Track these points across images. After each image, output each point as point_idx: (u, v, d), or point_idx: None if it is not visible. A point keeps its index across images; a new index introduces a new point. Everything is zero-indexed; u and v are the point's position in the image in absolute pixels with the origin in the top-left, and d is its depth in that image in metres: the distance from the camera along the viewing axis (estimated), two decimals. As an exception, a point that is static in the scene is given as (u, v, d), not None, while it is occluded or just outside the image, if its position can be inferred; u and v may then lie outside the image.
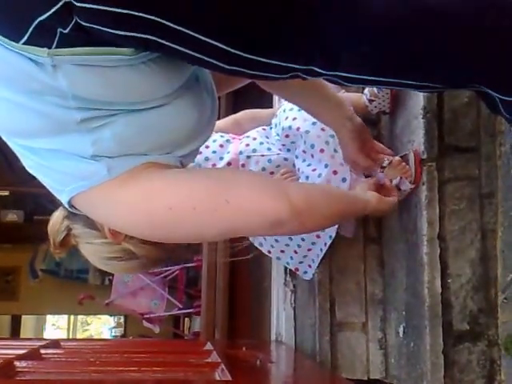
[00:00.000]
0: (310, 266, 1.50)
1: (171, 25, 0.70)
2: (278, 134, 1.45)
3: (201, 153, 1.44)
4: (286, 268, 1.82)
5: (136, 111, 0.79)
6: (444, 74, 0.82)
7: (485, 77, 0.82)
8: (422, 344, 1.18)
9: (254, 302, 2.44)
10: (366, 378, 1.43)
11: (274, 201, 0.83)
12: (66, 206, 0.86)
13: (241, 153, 1.44)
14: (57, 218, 0.95)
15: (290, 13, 0.73)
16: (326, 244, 1.41)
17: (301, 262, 1.51)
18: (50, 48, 0.71)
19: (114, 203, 0.81)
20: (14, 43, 0.72)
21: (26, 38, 0.71)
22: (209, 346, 1.54)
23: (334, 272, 1.51)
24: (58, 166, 0.81)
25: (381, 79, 0.82)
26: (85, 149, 0.78)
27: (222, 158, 1.45)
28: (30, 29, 0.70)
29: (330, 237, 1.39)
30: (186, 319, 4.92)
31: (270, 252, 1.54)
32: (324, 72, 0.79)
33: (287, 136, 1.40)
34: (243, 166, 1.44)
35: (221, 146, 1.46)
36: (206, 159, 1.44)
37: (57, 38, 0.71)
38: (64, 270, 5.26)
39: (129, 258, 0.92)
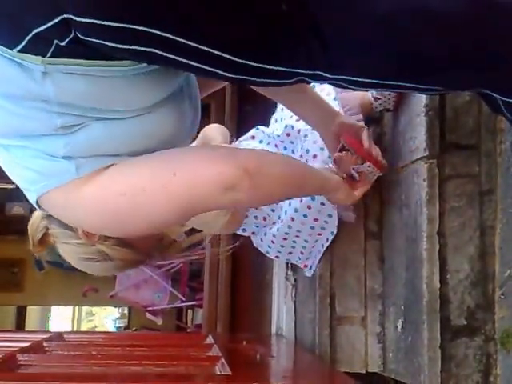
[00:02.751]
0: (313, 262, 1.52)
1: (174, 37, 0.70)
2: (277, 129, 1.45)
3: None
4: (287, 262, 1.83)
5: (117, 119, 0.79)
6: (447, 78, 0.83)
7: (487, 80, 0.83)
8: (420, 338, 1.19)
9: (255, 296, 2.46)
10: (364, 372, 1.44)
11: (222, 164, 0.81)
12: (35, 205, 0.86)
13: None
14: (36, 218, 0.95)
15: (295, 19, 0.74)
16: (327, 240, 1.42)
17: (308, 258, 1.54)
18: (44, 56, 0.72)
19: (77, 200, 0.81)
20: (8, 50, 0.72)
21: (21, 46, 0.71)
22: (210, 340, 1.55)
23: (335, 266, 1.52)
24: (27, 163, 0.81)
25: (385, 82, 0.82)
26: (56, 149, 0.78)
27: None
28: (26, 38, 0.70)
29: (332, 233, 1.40)
30: (189, 311, 4.95)
31: (277, 257, 1.57)
32: (329, 76, 0.80)
33: (288, 135, 1.40)
34: None
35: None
36: None
37: (52, 48, 0.71)
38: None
39: (103, 259, 0.92)
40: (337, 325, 1.48)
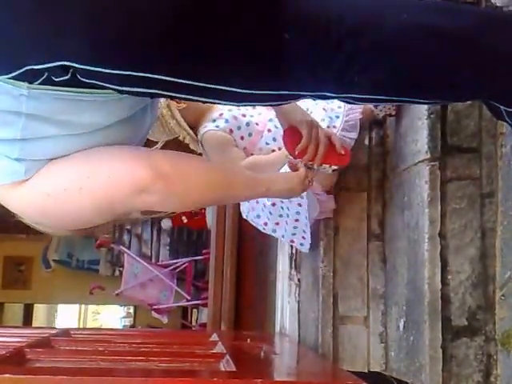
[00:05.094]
0: (303, 238, 1.51)
1: (181, 81, 0.73)
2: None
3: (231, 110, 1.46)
4: (291, 262, 1.85)
5: (75, 134, 0.81)
6: (452, 92, 0.85)
7: (487, 93, 0.85)
8: (422, 338, 1.21)
9: (259, 295, 2.48)
10: (366, 371, 1.46)
11: (133, 167, 0.82)
12: None
13: (271, 120, 1.46)
14: None
15: (298, 47, 0.75)
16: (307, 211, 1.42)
17: (294, 234, 1.52)
18: (30, 83, 0.74)
19: (14, 198, 0.84)
20: None
21: (10, 75, 0.73)
22: (215, 337, 1.57)
23: (338, 267, 1.54)
24: None
25: (392, 98, 0.85)
26: (12, 152, 0.80)
27: (252, 116, 1.47)
28: (18, 71, 0.72)
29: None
30: (194, 310, 4.98)
31: (266, 224, 1.55)
32: (335, 95, 0.83)
33: None
34: (269, 131, 1.46)
35: (253, 106, 1.48)
36: (239, 109, 1.46)
37: (42, 79, 0.73)
38: (76, 260, 5.33)
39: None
40: (339, 324, 1.50)
